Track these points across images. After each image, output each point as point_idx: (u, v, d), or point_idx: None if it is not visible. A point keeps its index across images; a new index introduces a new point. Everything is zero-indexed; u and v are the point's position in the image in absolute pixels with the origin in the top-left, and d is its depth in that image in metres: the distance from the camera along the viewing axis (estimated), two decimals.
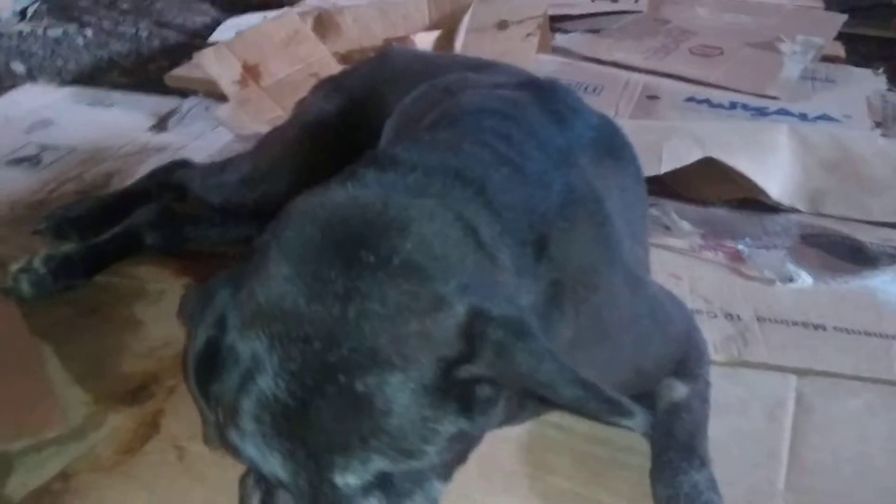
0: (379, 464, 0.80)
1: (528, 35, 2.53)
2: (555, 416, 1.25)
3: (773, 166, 2.04)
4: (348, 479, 0.80)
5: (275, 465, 0.81)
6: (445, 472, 0.90)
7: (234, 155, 1.86)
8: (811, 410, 1.29)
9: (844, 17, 3.01)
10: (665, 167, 1.94)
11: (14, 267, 1.53)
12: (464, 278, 0.85)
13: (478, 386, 0.85)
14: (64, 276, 1.54)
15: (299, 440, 0.79)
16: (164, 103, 2.48)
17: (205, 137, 2.27)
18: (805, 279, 1.62)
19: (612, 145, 1.27)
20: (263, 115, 2.29)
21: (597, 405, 0.82)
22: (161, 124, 2.35)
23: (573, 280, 1.03)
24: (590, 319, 1.06)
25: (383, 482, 0.82)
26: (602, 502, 1.12)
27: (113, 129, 2.31)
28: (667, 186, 1.94)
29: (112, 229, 1.65)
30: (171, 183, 1.80)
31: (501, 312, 0.83)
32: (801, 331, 1.48)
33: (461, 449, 0.90)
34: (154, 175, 1.85)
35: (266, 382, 0.79)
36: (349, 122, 1.65)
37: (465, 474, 1.12)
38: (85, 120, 2.37)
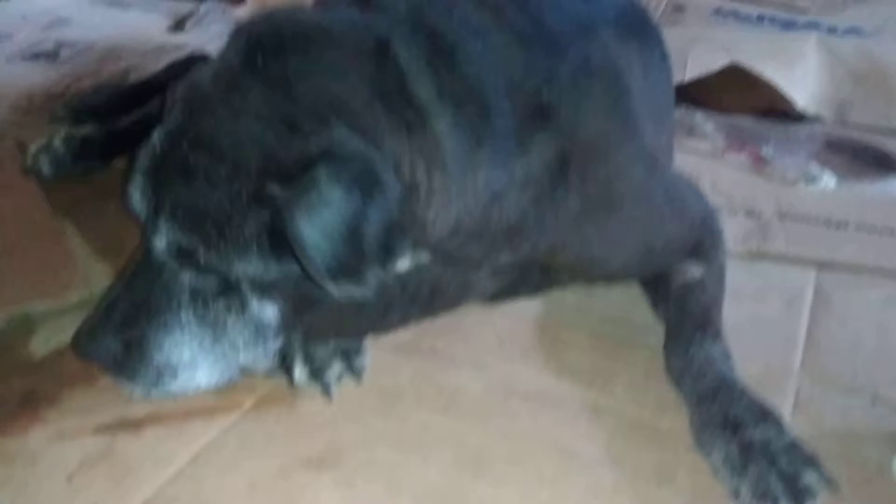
0: (179, 236, 0.88)
1: None
2: (572, 297, 1.25)
3: (801, 75, 2.01)
4: (157, 240, 0.90)
5: (137, 205, 0.93)
6: (269, 298, 0.92)
7: None
8: (830, 301, 1.28)
9: None
10: (690, 74, 1.90)
11: (34, 146, 1.53)
12: (341, 118, 0.86)
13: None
14: (83, 157, 1.54)
15: (151, 190, 0.90)
16: (181, 6, 2.45)
17: (222, 39, 2.23)
18: (828, 180, 1.59)
19: (638, 25, 1.23)
20: None
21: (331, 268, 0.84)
22: (179, 25, 2.32)
23: (582, 150, 1.02)
24: (598, 191, 1.05)
25: (189, 260, 0.89)
26: (617, 375, 1.11)
27: (130, 28, 2.29)
28: (690, 95, 1.91)
29: (129, 117, 1.64)
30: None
31: (349, 167, 0.83)
32: (823, 228, 1.46)
33: (284, 284, 0.90)
34: (172, 67, 1.83)
35: (156, 136, 0.91)
36: None
37: (482, 342, 1.15)
38: (103, 20, 2.34)
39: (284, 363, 1.05)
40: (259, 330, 0.94)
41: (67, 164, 1.52)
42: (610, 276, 1.23)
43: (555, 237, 1.06)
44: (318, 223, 0.82)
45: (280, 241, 0.85)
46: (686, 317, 1.12)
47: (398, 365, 1.11)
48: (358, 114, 0.88)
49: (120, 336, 0.93)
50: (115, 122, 1.64)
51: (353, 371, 1.07)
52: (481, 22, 0.99)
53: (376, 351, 1.12)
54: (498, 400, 1.07)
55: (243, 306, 0.92)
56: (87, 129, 1.57)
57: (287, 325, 0.95)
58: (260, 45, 0.89)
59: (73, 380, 1.06)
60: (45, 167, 1.51)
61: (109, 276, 1.26)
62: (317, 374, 1.05)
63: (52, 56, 2.10)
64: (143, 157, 0.92)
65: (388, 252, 0.87)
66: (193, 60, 1.84)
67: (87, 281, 1.21)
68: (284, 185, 0.82)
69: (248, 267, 0.88)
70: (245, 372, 0.99)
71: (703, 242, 1.23)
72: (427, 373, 1.11)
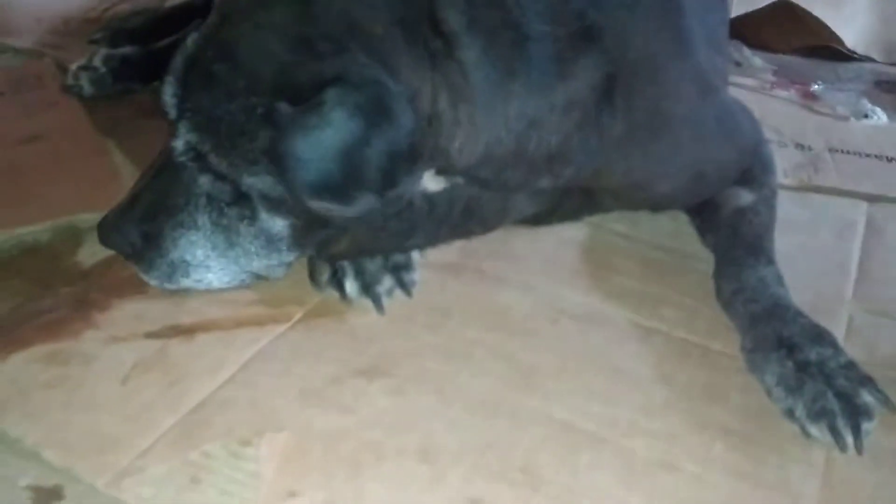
0: (195, 140, 0.91)
1: None
2: (620, 225, 1.24)
3: (850, 14, 1.96)
4: (177, 141, 0.93)
5: (167, 106, 0.95)
6: (278, 212, 0.93)
7: None
8: (881, 232, 1.26)
9: None
10: (737, 10, 1.86)
11: (74, 66, 1.52)
12: (359, 44, 0.85)
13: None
14: (122, 77, 1.53)
15: (178, 92, 0.93)
16: None
17: None
18: (880, 116, 1.56)
19: None
20: None
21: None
22: None
23: (630, 70, 0.98)
24: (646, 114, 1.02)
25: (204, 165, 0.92)
26: (666, 299, 1.10)
27: None
28: (737, 31, 1.86)
29: (167, 40, 1.62)
30: None
31: (358, 94, 0.82)
32: (874, 162, 1.44)
33: (292, 201, 0.90)
34: None
35: (189, 41, 0.93)
36: None
37: (525, 265, 1.15)
38: None
39: (336, 277, 1.05)
40: (270, 241, 0.96)
41: (108, 84, 1.51)
42: (657, 202, 1.21)
43: (599, 161, 1.03)
44: (313, 142, 0.83)
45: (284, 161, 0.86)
46: (738, 241, 1.10)
47: (445, 283, 1.11)
48: (378, 39, 0.86)
49: (139, 228, 0.98)
50: (153, 45, 1.63)
51: (404, 286, 1.06)
52: None
53: (423, 270, 1.11)
54: (546, 320, 1.06)
55: (254, 217, 0.94)
56: (127, 49, 1.56)
57: (298, 240, 0.96)
58: None
59: (123, 289, 1.06)
60: (86, 86, 1.50)
61: None
62: (367, 287, 1.04)
63: None
64: (177, 60, 0.94)
65: (387, 181, 0.86)
66: None
67: None
68: (293, 105, 0.84)
69: (257, 181, 0.90)
70: (259, 279, 1.02)
71: (754, 168, 1.21)
72: (474, 292, 1.10)
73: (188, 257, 0.98)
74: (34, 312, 1.03)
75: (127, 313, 1.03)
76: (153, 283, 1.01)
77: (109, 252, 1.09)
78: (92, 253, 1.14)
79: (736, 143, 1.18)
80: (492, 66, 0.90)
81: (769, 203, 1.18)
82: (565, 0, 0.94)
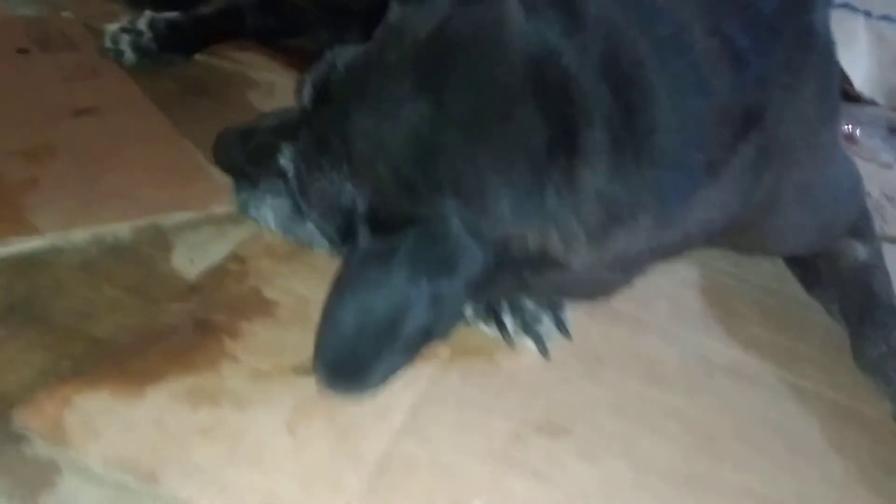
0: (292, 160, 0.92)
1: None
2: (723, 263, 1.21)
3: (855, 56, 2.01)
4: (285, 147, 0.93)
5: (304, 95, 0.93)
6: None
7: None
8: None
9: None
10: None
11: (114, 26, 1.32)
12: (459, 190, 0.78)
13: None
14: (169, 46, 1.34)
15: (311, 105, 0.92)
16: None
17: None
18: None
19: None
20: None
21: None
22: None
23: (784, 146, 0.91)
24: (792, 186, 0.97)
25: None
26: (800, 353, 1.08)
27: None
28: None
29: (203, 6, 1.44)
30: None
31: (429, 256, 0.77)
32: None
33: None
34: None
35: (308, 84, 0.93)
36: None
37: (656, 307, 1.10)
38: None
39: (490, 311, 0.95)
40: None
41: (153, 52, 1.33)
42: (775, 251, 1.18)
43: (735, 223, 0.95)
44: (359, 299, 0.77)
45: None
46: (877, 301, 1.09)
47: (583, 324, 1.03)
48: (479, 187, 0.77)
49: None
50: (172, 9, 1.45)
51: (562, 327, 0.98)
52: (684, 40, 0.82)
53: None
54: (700, 373, 1.01)
55: None
56: (173, 15, 1.37)
57: None
58: (427, 57, 0.81)
59: (247, 310, 0.93)
60: (128, 52, 1.31)
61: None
62: (528, 327, 0.95)
63: None
64: (312, 81, 0.92)
65: (407, 352, 0.78)
66: None
67: (227, 191, 1.05)
68: (371, 230, 0.82)
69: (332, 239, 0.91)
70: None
71: (860, 221, 1.20)
72: (617, 336, 1.04)
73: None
74: (151, 334, 0.87)
75: (262, 341, 0.90)
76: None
77: (210, 262, 0.96)
78: (189, 261, 0.99)
79: (855, 195, 1.17)
80: (627, 198, 0.80)
81: (881, 255, 1.18)
82: (729, 101, 0.83)
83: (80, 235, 0.98)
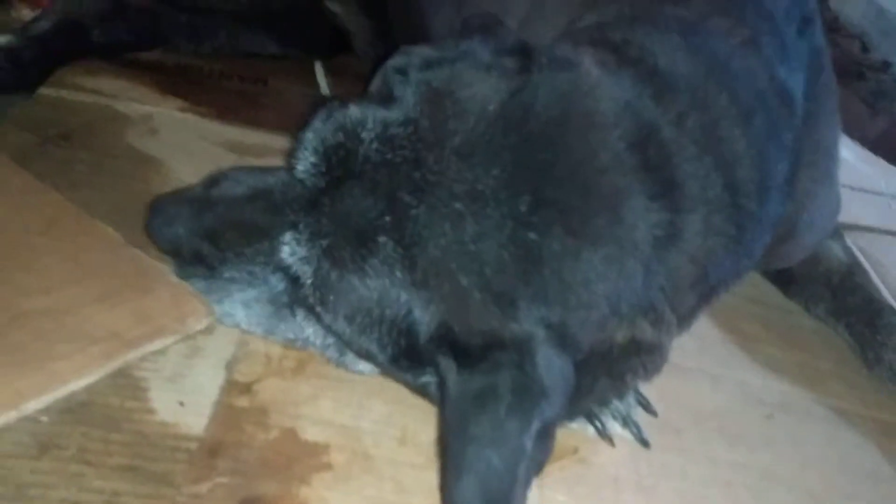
0: (302, 260, 0.70)
1: None
2: (748, 289, 1.13)
3: None
4: (283, 236, 0.71)
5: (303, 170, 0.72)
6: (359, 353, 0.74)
7: None
8: None
9: None
10: None
11: None
12: (555, 306, 0.65)
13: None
14: (8, 82, 1.00)
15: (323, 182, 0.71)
16: None
17: None
18: None
19: None
20: None
21: None
22: None
23: (809, 160, 0.91)
24: (811, 195, 0.97)
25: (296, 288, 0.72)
26: (818, 370, 1.05)
27: None
28: None
29: (38, 19, 1.09)
30: None
31: (524, 392, 0.64)
32: None
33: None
34: None
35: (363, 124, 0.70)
36: None
37: (689, 351, 0.99)
38: None
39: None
40: None
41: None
42: (791, 261, 1.14)
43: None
44: (476, 468, 0.62)
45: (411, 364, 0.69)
46: (873, 304, 1.08)
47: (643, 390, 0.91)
48: (587, 295, 0.66)
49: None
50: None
51: (647, 406, 0.86)
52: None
53: None
54: (758, 416, 0.95)
55: None
56: (2, 39, 1.01)
57: None
58: (514, 139, 0.67)
59: (294, 467, 0.70)
60: None
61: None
62: (626, 419, 0.82)
63: None
64: (329, 125, 0.71)
65: (525, 492, 0.65)
66: None
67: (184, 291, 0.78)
68: (455, 356, 0.65)
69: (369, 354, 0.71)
70: None
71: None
72: (670, 388, 0.92)
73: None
74: None
75: None
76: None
77: (208, 398, 0.74)
78: (179, 405, 0.73)
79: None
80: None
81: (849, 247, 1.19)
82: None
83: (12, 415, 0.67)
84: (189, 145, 1.07)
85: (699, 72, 0.75)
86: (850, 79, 2.16)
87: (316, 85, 1.32)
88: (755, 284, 1.17)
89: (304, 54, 1.36)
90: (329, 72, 1.36)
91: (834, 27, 2.28)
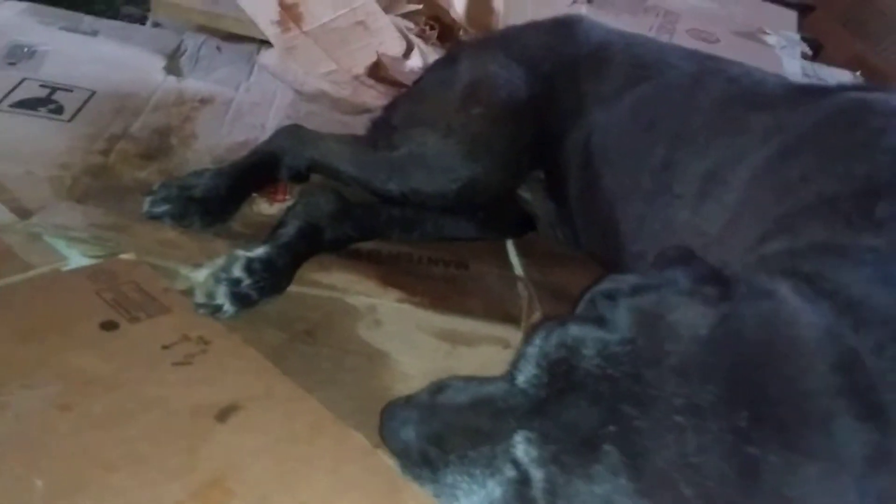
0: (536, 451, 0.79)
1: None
2: None
3: None
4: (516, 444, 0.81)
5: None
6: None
7: (372, 127, 1.55)
8: None
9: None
10: None
11: (202, 274, 1.12)
12: None
13: None
14: (267, 287, 1.16)
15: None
16: (157, 37, 2.00)
17: (248, 89, 1.84)
18: None
19: None
20: (316, 66, 1.92)
21: None
22: (172, 66, 1.87)
23: None
24: None
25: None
26: None
27: (118, 66, 1.81)
28: None
29: (283, 225, 1.27)
30: (303, 158, 1.45)
31: None
32: None
33: None
34: (274, 146, 1.47)
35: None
36: (538, 99, 1.42)
37: None
38: (78, 51, 1.82)
39: None
40: None
41: (252, 298, 1.15)
42: None
43: None
44: None
45: None
46: None
47: None
48: None
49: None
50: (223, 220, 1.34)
51: None
52: None
53: None
54: None
55: None
56: (262, 249, 1.19)
57: None
58: (726, 363, 0.74)
59: None
60: (227, 305, 1.12)
61: None
62: None
63: (53, 106, 1.60)
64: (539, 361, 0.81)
65: None
66: (290, 135, 1.49)
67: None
68: None
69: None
70: None
71: None
72: None
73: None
74: None
75: None
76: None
77: None
78: None
79: None
80: None
81: None
82: None
83: None
84: (409, 336, 1.20)
85: (894, 303, 0.79)
86: None
87: (510, 265, 1.45)
88: None
89: (498, 236, 1.50)
90: (518, 251, 1.49)
91: None
